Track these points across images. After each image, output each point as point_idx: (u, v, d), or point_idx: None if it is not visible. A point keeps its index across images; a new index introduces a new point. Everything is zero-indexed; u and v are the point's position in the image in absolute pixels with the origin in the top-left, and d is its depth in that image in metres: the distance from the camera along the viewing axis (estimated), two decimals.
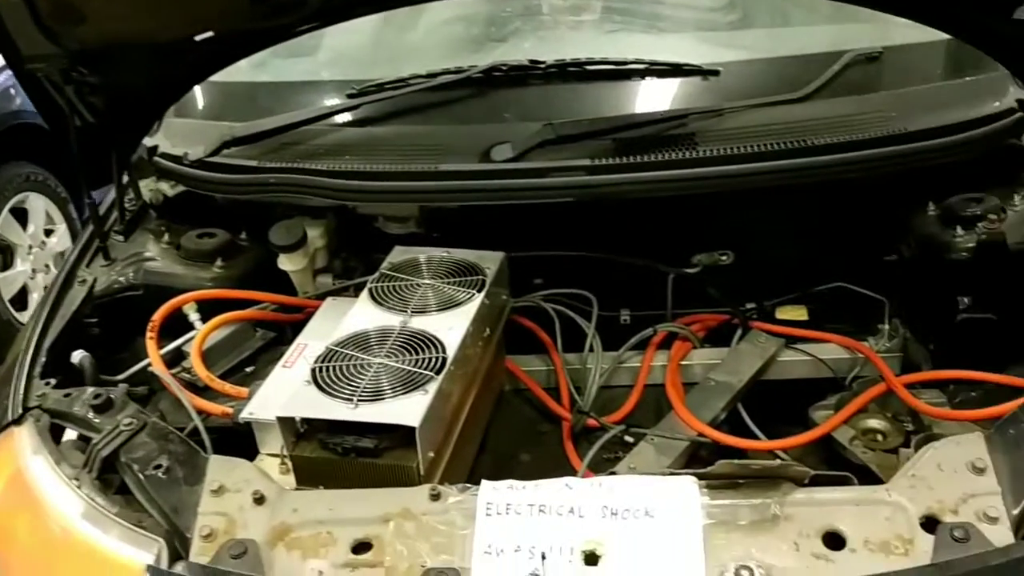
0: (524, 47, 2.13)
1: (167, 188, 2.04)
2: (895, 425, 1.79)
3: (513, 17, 2.22)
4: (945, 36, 1.93)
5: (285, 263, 1.92)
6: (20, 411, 1.52)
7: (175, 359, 1.78)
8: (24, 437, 1.47)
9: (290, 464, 1.47)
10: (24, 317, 3.70)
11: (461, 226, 1.99)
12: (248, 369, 1.80)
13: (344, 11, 1.68)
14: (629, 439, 1.81)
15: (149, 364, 1.73)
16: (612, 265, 2.05)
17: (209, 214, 2.06)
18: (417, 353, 1.53)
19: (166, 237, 2.00)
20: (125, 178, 2.06)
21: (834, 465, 1.74)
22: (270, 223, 1.97)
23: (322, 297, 1.97)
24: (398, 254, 1.85)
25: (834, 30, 2.16)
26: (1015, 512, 1.23)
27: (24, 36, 1.67)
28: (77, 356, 1.69)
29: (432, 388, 1.44)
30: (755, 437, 1.80)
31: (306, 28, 1.72)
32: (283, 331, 1.94)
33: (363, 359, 1.51)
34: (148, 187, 2.11)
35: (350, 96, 2.02)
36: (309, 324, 1.77)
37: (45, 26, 1.66)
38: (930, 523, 1.24)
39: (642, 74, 1.97)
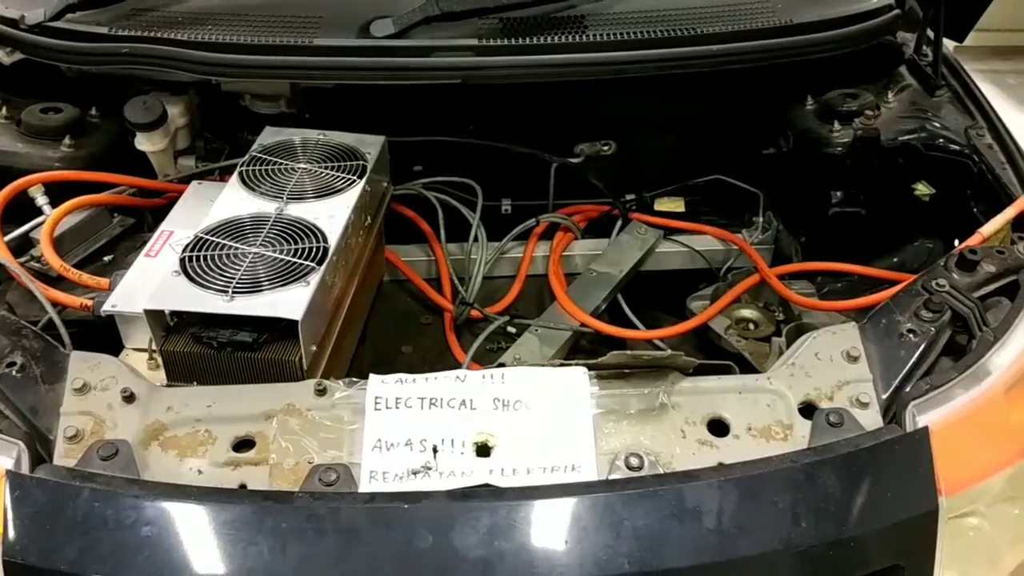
0: None
1: (2, 55, 1.81)
2: (766, 315, 1.86)
3: None
4: None
5: (143, 143, 1.77)
6: None
7: (21, 247, 1.63)
8: None
9: (160, 360, 1.38)
10: None
11: (336, 107, 1.88)
12: (106, 258, 1.66)
13: None
14: (512, 330, 1.80)
15: None
16: (493, 152, 2.00)
17: (53, 86, 1.86)
18: (296, 243, 1.45)
19: (3, 111, 1.79)
20: None
21: (710, 353, 1.79)
22: (124, 98, 1.80)
23: (185, 181, 1.83)
24: (269, 135, 1.73)
25: None
26: (884, 397, 1.30)
27: None
28: None
29: (313, 280, 1.37)
30: (634, 327, 1.83)
31: None
32: (143, 217, 1.80)
33: (237, 248, 1.42)
34: None
35: None
36: (173, 210, 1.65)
37: None
38: (808, 409, 1.29)
39: None
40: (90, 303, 1.46)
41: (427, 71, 1.68)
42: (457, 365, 1.73)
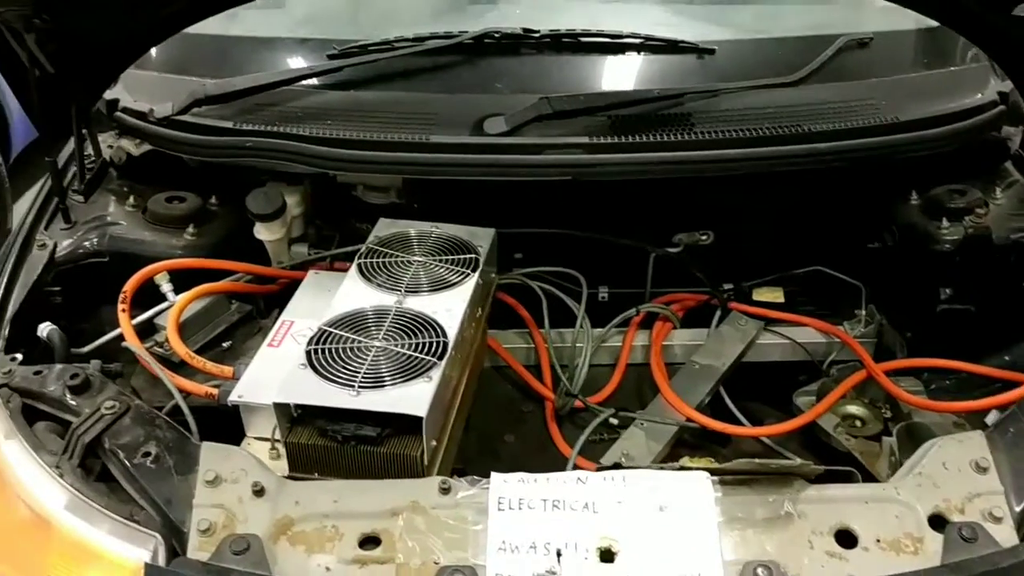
0: (514, 13, 2.05)
1: (131, 146, 1.91)
2: (873, 412, 1.83)
3: None
4: (932, 24, 1.94)
5: (262, 232, 1.83)
6: None
7: (145, 331, 1.69)
8: None
9: (281, 450, 1.41)
10: None
11: (444, 198, 1.92)
12: (225, 344, 1.71)
13: None
14: (614, 422, 1.80)
15: (120, 337, 1.63)
16: (592, 241, 2.03)
17: (176, 175, 1.94)
18: (415, 336, 1.48)
19: (131, 199, 1.87)
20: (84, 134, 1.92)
21: (818, 452, 1.77)
22: (242, 187, 1.88)
23: (298, 268, 1.89)
24: (384, 227, 1.78)
25: (825, 10, 2.15)
26: (1018, 510, 1.26)
27: None
28: (44, 329, 1.58)
29: (436, 375, 1.39)
30: (738, 422, 1.81)
31: None
32: (257, 303, 1.86)
33: (361, 342, 1.45)
34: (108, 143, 1.98)
35: (331, 57, 1.91)
36: (293, 300, 1.70)
37: None
38: (937, 521, 1.26)
39: (638, 49, 1.92)
40: (215, 392, 1.50)
41: (539, 168, 1.72)
42: (561, 456, 1.73)
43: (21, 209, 4.09)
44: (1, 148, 3.85)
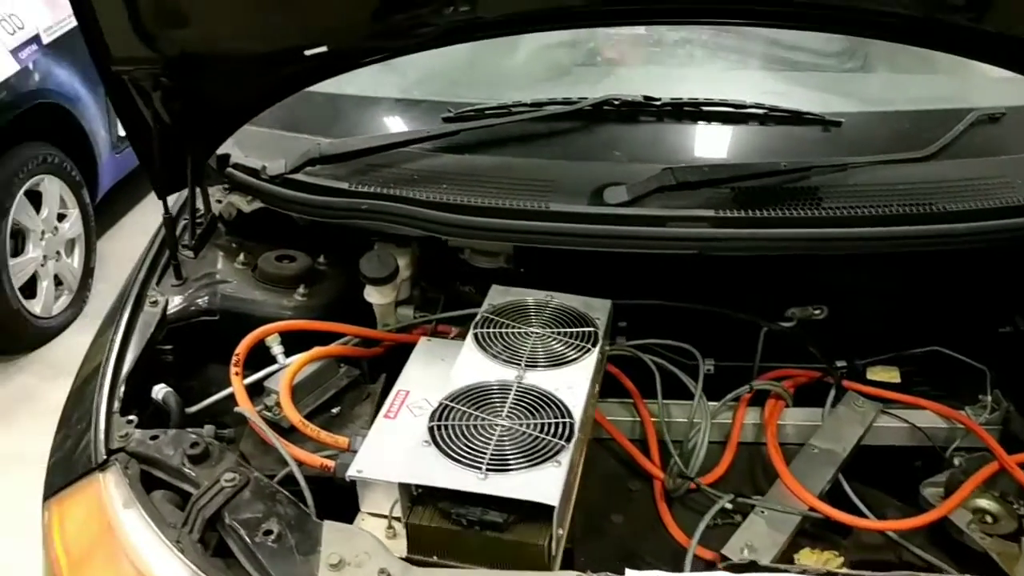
0: (632, 80, 2.02)
1: (242, 203, 1.90)
2: (1006, 507, 1.71)
3: (625, 48, 2.10)
4: None
5: (373, 295, 1.80)
6: (105, 455, 1.38)
7: (252, 392, 1.65)
8: (112, 487, 1.34)
9: (398, 528, 1.36)
10: (33, 307, 3.53)
11: (554, 266, 1.88)
12: (334, 410, 1.67)
13: (468, 33, 1.56)
14: (728, 506, 1.72)
15: (229, 398, 1.60)
16: (698, 312, 1.96)
17: (283, 233, 1.92)
18: (539, 415, 1.42)
19: (241, 257, 1.86)
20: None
21: (945, 548, 1.66)
22: (349, 247, 1.85)
23: (404, 331, 1.85)
24: (498, 295, 1.74)
25: (953, 83, 2.08)
26: None
27: (117, 37, 1.53)
28: (160, 391, 1.56)
29: (564, 460, 1.33)
30: (859, 512, 1.72)
31: (423, 49, 1.59)
32: (362, 367, 1.82)
33: (484, 419, 1.40)
34: (215, 198, 1.97)
35: (446, 120, 1.89)
36: (407, 368, 1.65)
37: (143, 29, 1.52)
38: None
39: (761, 119, 1.87)
40: (331, 464, 1.45)
41: (663, 240, 1.67)
42: (672, 540, 1.65)
43: (105, 249, 4.16)
44: (90, 190, 3.91)
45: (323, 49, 1.52)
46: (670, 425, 1.86)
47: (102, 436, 1.41)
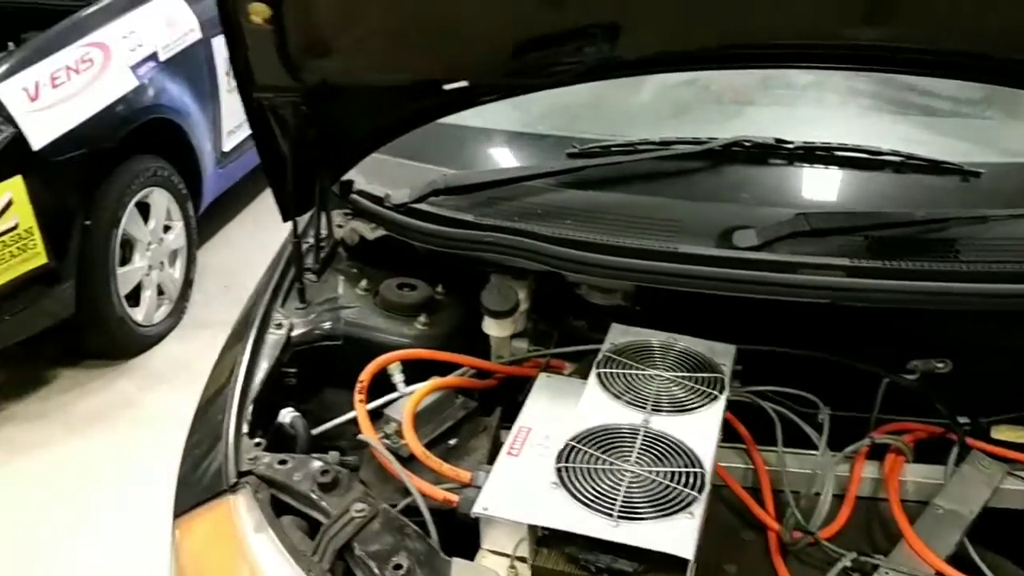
0: (761, 122, 1.99)
1: (366, 230, 1.92)
2: None
3: (752, 89, 2.07)
4: None
5: (492, 328, 1.80)
6: (235, 477, 1.40)
7: (371, 419, 1.66)
8: (243, 510, 1.35)
9: (521, 569, 1.34)
10: (136, 314, 3.63)
11: (674, 306, 1.85)
12: (451, 442, 1.67)
13: (606, 72, 1.55)
14: (848, 564, 1.66)
15: (350, 424, 1.61)
16: (815, 360, 1.91)
17: (402, 261, 1.94)
18: (668, 463, 1.39)
19: (363, 283, 1.88)
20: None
21: None
22: (467, 277, 1.86)
23: (517, 363, 1.84)
24: (619, 334, 1.72)
25: None
26: None
27: (263, 65, 1.57)
28: (288, 416, 1.57)
29: (697, 511, 1.31)
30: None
31: (560, 86, 1.59)
32: (474, 398, 1.81)
33: (613, 464, 1.38)
34: (337, 223, 2.00)
35: (571, 155, 1.89)
36: (528, 404, 1.64)
37: (288, 59, 1.55)
38: None
39: (896, 167, 1.83)
40: (454, 498, 1.45)
41: (793, 288, 1.63)
42: None
43: (203, 261, 4.26)
44: (193, 204, 4.01)
45: (463, 84, 1.53)
46: (782, 475, 1.82)
47: (232, 458, 1.43)
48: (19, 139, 2.99)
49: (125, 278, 3.53)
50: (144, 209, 3.64)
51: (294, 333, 1.74)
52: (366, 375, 1.64)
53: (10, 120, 2.98)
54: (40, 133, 3.05)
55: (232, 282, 4.30)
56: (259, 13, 1.43)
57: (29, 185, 3.00)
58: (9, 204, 2.95)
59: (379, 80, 1.61)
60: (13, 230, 2.98)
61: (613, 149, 1.88)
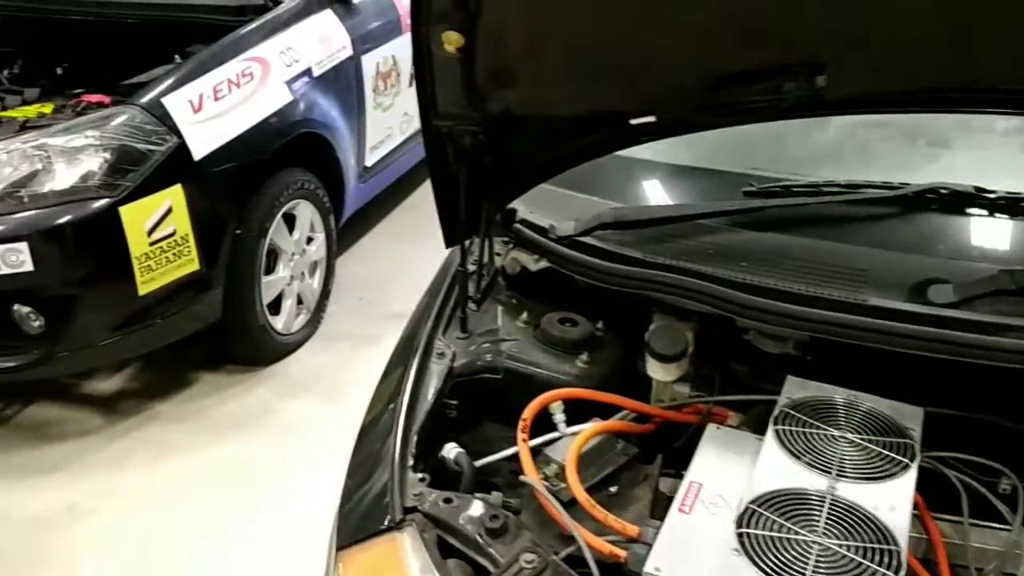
0: (955, 168, 1.85)
1: (529, 261, 1.88)
2: None
3: (949, 131, 1.94)
4: None
5: (657, 371, 1.72)
6: (401, 514, 1.37)
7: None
8: (409, 549, 1.32)
9: None
10: (276, 323, 3.70)
11: (852, 361, 1.74)
12: (611, 489, 1.60)
13: (804, 111, 1.47)
14: None
15: (507, 460, 1.57)
16: (992, 425, 1.76)
17: (563, 293, 1.89)
18: (859, 537, 1.29)
19: (524, 316, 1.83)
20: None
21: None
22: (628, 314, 1.79)
23: (677, 408, 1.76)
24: (796, 388, 1.62)
25: None
26: None
27: (448, 93, 1.55)
28: (452, 452, 1.54)
29: None
30: None
31: (751, 123, 1.52)
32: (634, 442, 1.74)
33: (800, 534, 1.29)
34: (496, 251, 1.97)
35: (748, 194, 1.80)
36: (697, 458, 1.56)
37: (475, 87, 1.53)
38: None
39: None
40: (622, 553, 1.38)
41: (994, 352, 1.50)
42: None
43: (338, 272, 4.33)
44: (335, 217, 4.09)
45: (650, 119, 1.47)
46: (964, 549, 1.67)
47: (398, 494, 1.40)
48: (182, 149, 3.09)
49: (269, 287, 3.61)
50: (290, 220, 3.72)
51: (456, 364, 1.71)
52: (529, 414, 1.59)
53: (175, 130, 3.08)
54: (201, 143, 3.15)
55: (366, 295, 4.36)
56: (452, 42, 1.41)
57: (188, 193, 3.10)
58: (169, 211, 3.05)
59: (561, 111, 1.56)
60: (171, 236, 3.08)
61: (794, 190, 1.78)
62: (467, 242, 1.93)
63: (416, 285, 4.47)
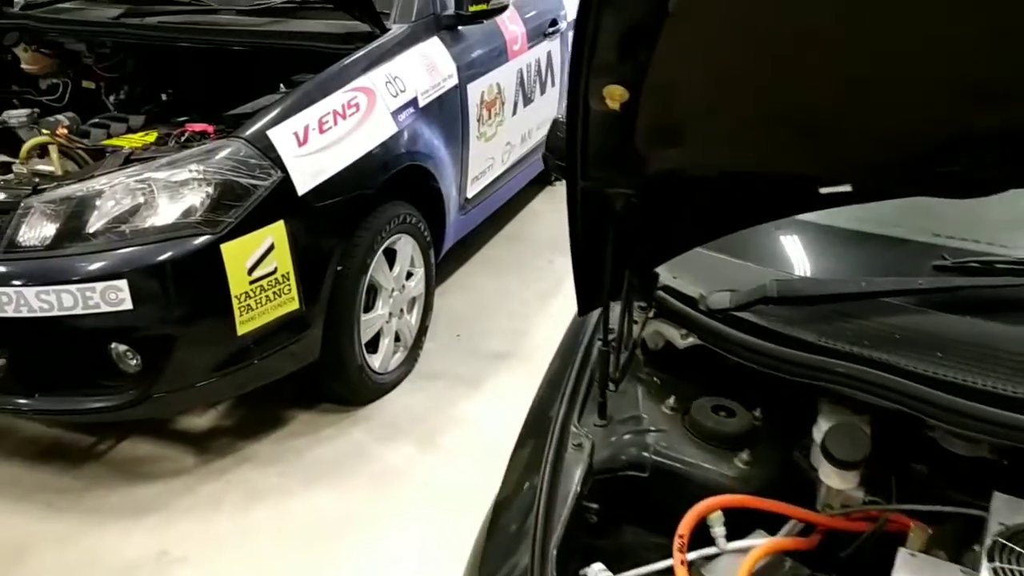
0: None
1: (675, 335, 1.66)
2: None
3: None
4: None
5: (833, 478, 1.48)
6: None
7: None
8: None
9: None
10: (373, 361, 3.55)
11: None
12: None
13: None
14: None
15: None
16: None
17: (710, 371, 1.66)
18: None
19: (671, 401, 1.61)
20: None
21: None
22: (788, 399, 1.55)
23: (850, 517, 1.51)
24: (1009, 510, 1.35)
25: None
26: None
27: (602, 152, 1.34)
28: (598, 574, 1.33)
29: None
30: None
31: (956, 198, 1.27)
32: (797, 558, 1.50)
33: None
34: (635, 318, 1.75)
35: (939, 268, 1.55)
36: None
37: (633, 147, 1.32)
38: None
39: None
40: None
41: None
42: None
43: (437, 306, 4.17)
44: (435, 250, 3.93)
45: (845, 188, 1.24)
46: None
47: None
48: (286, 183, 2.96)
49: (367, 325, 3.46)
50: (390, 255, 3.57)
51: (596, 457, 1.49)
52: (687, 529, 1.36)
53: (279, 164, 2.96)
54: (306, 178, 3.02)
55: (464, 330, 4.20)
56: (615, 97, 1.21)
57: (290, 230, 2.97)
58: (271, 249, 2.92)
59: (734, 173, 1.34)
60: (271, 274, 2.95)
61: (998, 266, 1.52)
62: (599, 310, 1.73)
63: (513, 324, 4.31)
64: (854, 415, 1.56)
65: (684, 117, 1.25)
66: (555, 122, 2.19)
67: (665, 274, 1.72)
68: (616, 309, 1.72)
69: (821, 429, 1.51)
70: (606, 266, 1.50)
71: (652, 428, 1.56)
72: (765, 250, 1.71)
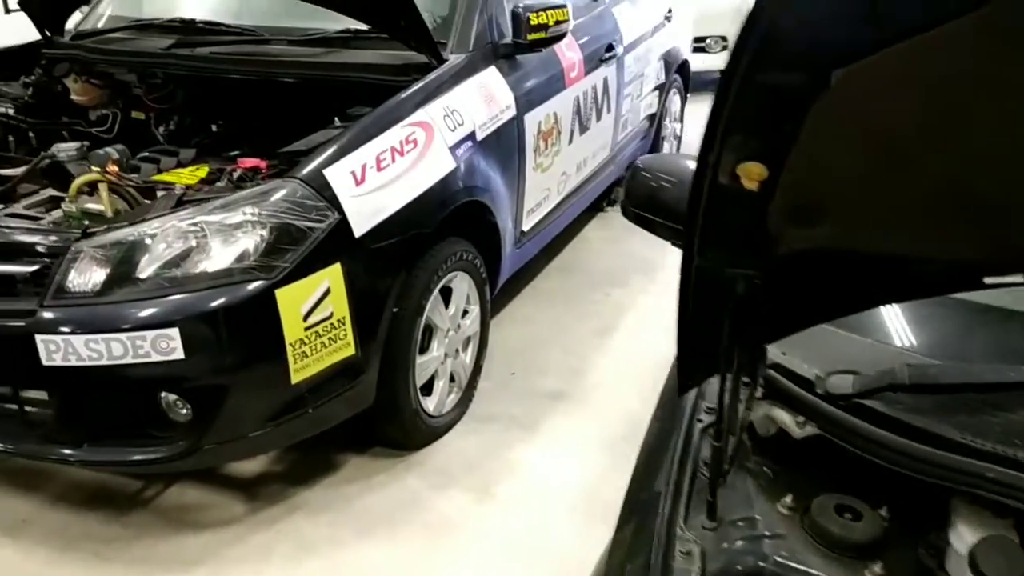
0: None
1: (790, 422, 1.49)
2: None
3: None
4: None
5: None
6: None
7: None
8: None
9: None
10: (427, 404, 3.41)
11: None
12: None
13: None
14: None
15: None
16: None
17: (831, 464, 1.49)
18: None
19: (788, 499, 1.44)
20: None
21: None
22: (913, 495, 1.38)
23: None
24: None
25: None
26: None
27: (726, 230, 1.19)
28: None
29: None
30: None
31: None
32: None
33: None
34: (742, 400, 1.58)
35: None
36: None
37: (764, 226, 1.16)
38: None
39: None
40: None
41: None
42: None
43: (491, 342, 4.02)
44: (491, 286, 3.79)
45: (1016, 279, 1.07)
46: None
47: None
48: (342, 225, 2.83)
49: (422, 368, 3.32)
50: (445, 294, 3.43)
51: (707, 568, 1.33)
52: None
53: (336, 205, 2.83)
54: (363, 219, 2.89)
55: (519, 368, 4.06)
56: (753, 176, 1.05)
57: (347, 273, 2.84)
58: (327, 293, 2.80)
59: (879, 253, 1.18)
60: (327, 319, 2.82)
61: None
62: (697, 392, 1.57)
63: (569, 361, 4.14)
64: (996, 517, 1.38)
65: (830, 196, 1.09)
66: (635, 168, 2.04)
67: (773, 350, 1.56)
68: (714, 385, 1.57)
69: (962, 536, 1.33)
70: (721, 348, 1.33)
71: (768, 533, 1.39)
72: (889, 325, 1.54)
